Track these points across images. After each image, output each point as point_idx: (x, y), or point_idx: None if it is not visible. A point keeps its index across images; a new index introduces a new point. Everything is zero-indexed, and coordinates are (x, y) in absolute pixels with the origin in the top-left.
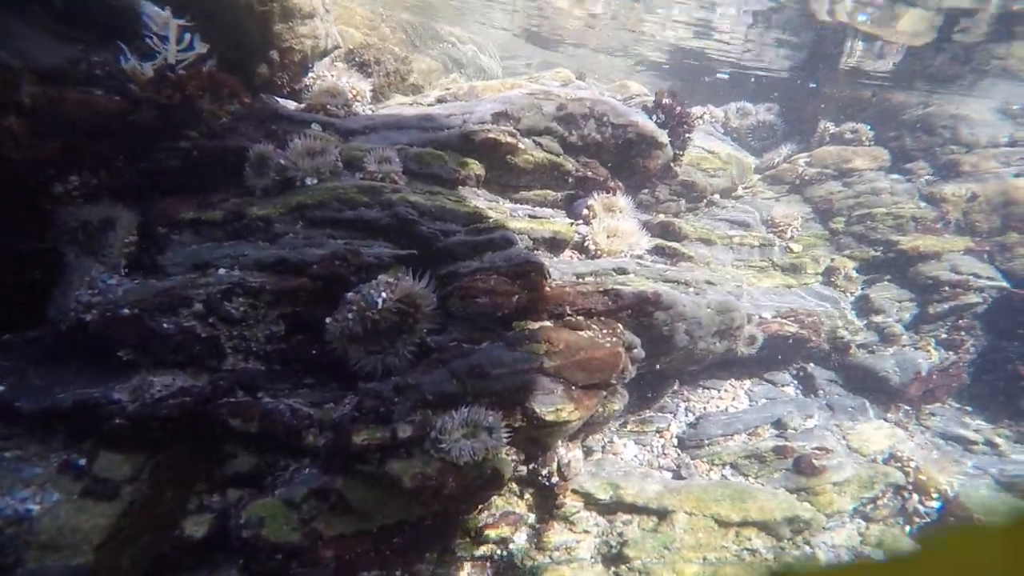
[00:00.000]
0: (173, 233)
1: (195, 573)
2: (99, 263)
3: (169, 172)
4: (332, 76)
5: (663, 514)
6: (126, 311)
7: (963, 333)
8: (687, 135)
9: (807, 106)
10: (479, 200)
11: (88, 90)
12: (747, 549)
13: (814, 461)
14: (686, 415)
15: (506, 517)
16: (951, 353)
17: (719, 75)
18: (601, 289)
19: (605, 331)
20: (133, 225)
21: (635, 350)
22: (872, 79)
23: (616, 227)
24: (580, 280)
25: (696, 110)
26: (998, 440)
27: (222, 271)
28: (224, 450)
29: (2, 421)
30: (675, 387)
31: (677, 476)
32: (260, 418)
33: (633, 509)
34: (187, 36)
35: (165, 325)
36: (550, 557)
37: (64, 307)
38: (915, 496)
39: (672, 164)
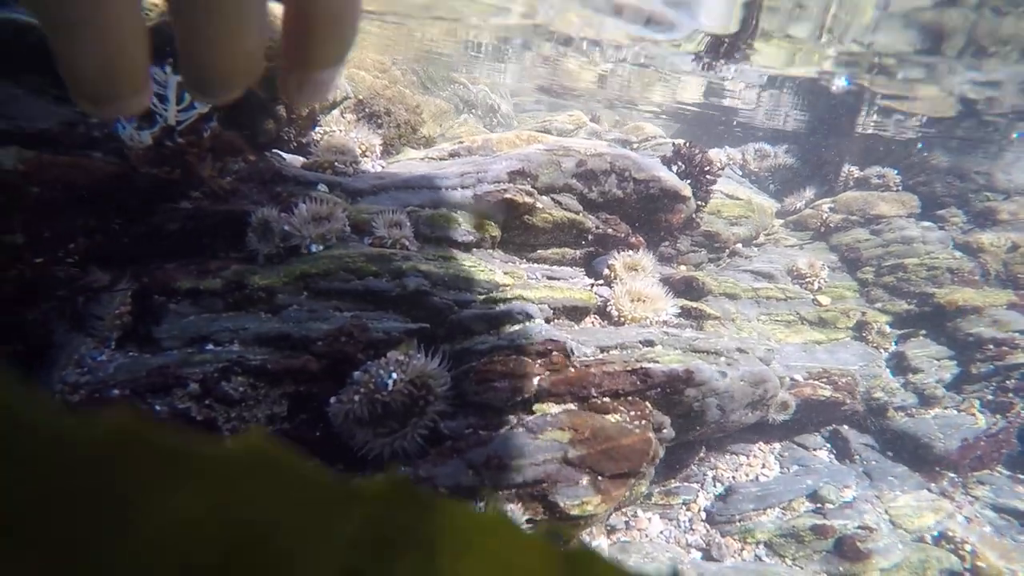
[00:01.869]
0: (171, 302)
1: None
2: (89, 337)
3: (168, 236)
4: (340, 131)
5: None
6: (116, 392)
7: (1011, 395)
8: (710, 186)
9: (827, 150)
10: (494, 263)
11: (86, 153)
12: None
13: (858, 544)
14: (714, 484)
15: None
16: (999, 417)
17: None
18: (629, 368)
19: (633, 413)
20: (127, 294)
21: (664, 430)
22: (892, 144)
23: (640, 291)
24: (605, 354)
25: (714, 153)
26: None
27: (220, 347)
28: None
29: None
30: (701, 453)
31: (707, 556)
32: None
33: None
34: (187, 95)
35: (157, 408)
36: None
37: (50, 388)
38: None
39: (694, 216)
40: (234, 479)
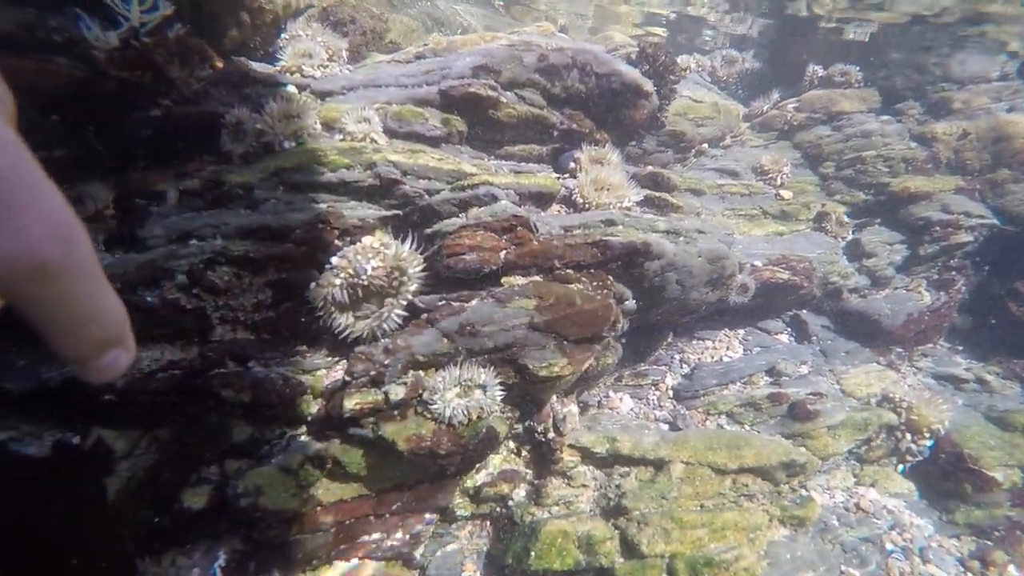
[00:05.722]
0: (152, 205)
1: (197, 545)
2: None
3: (143, 141)
4: (307, 36)
5: (660, 465)
6: None
7: (954, 273)
8: (673, 85)
9: (792, 49)
10: (462, 157)
11: (48, 58)
12: (744, 495)
13: (808, 406)
14: (681, 367)
15: (504, 475)
16: (942, 294)
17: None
18: (590, 241)
19: (595, 283)
20: (109, 198)
21: (627, 302)
22: (850, 53)
23: (604, 179)
24: (568, 233)
25: (683, 59)
26: (988, 377)
27: (204, 241)
28: (220, 421)
29: None
30: (669, 339)
31: (674, 427)
32: (252, 388)
33: (630, 461)
34: None
35: (148, 299)
36: (549, 512)
37: None
38: (908, 435)
39: (659, 114)
40: None
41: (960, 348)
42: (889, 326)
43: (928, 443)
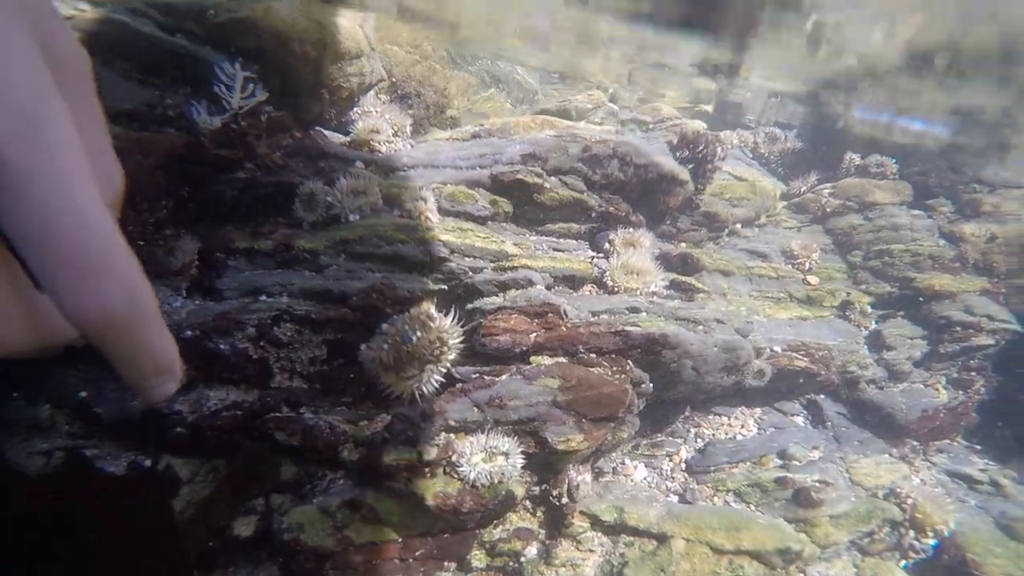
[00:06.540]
0: (230, 259)
1: (240, 568)
2: (165, 287)
3: (227, 202)
4: (376, 112)
5: (662, 538)
6: (189, 333)
7: (974, 373)
8: (711, 174)
9: (829, 138)
10: (506, 235)
11: (162, 129)
12: None
13: (813, 494)
14: (696, 440)
15: (519, 532)
16: (960, 392)
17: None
18: (612, 330)
19: (615, 368)
20: (194, 251)
21: (643, 385)
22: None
23: (633, 264)
24: (595, 318)
25: (725, 135)
26: (1003, 481)
27: (272, 298)
28: (271, 459)
29: (84, 422)
30: (687, 412)
31: (683, 500)
32: (302, 432)
33: (635, 532)
34: (251, 86)
35: (222, 347)
36: (556, 572)
37: None
38: (911, 532)
39: (694, 197)
40: None
41: (979, 447)
42: (903, 420)
43: (931, 542)
